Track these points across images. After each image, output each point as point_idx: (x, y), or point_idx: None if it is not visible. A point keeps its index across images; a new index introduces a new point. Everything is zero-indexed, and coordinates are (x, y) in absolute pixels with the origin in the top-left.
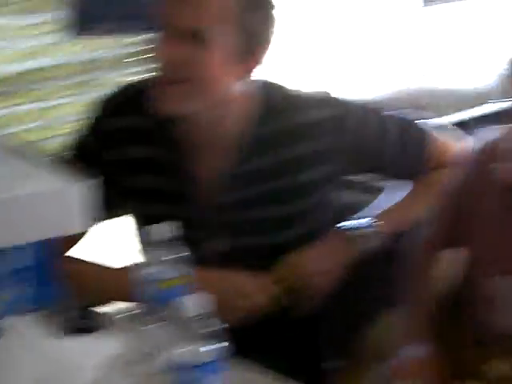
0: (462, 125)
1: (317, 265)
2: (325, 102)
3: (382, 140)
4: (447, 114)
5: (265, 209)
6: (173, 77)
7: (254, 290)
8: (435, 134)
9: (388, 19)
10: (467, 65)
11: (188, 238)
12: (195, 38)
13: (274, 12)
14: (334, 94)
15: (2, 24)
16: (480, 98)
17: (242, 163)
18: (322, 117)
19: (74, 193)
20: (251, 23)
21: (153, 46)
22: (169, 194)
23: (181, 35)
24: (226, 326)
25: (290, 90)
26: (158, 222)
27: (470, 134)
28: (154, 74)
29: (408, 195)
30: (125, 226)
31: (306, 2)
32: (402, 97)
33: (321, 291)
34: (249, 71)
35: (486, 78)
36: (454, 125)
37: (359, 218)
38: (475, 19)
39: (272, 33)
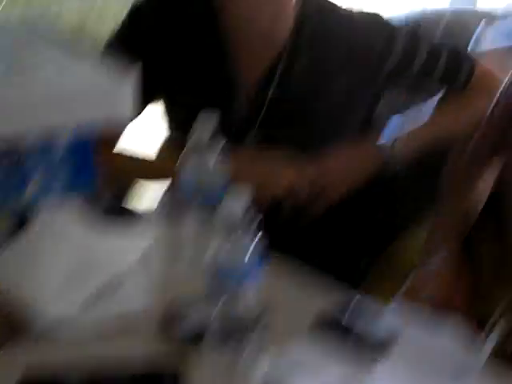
0: None
1: (340, 170)
2: (374, 25)
3: (424, 60)
4: None
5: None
6: None
7: (285, 168)
8: (480, 61)
9: None
10: None
11: (224, 132)
12: None
13: None
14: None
15: None
16: None
17: (282, 66)
18: (371, 42)
19: (119, 84)
20: None
21: None
22: (210, 84)
23: None
24: (262, 218)
25: (341, 9)
26: (194, 112)
27: None
28: None
29: (440, 113)
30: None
31: None
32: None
33: (336, 197)
34: None
35: None
36: None
37: (394, 127)
38: None
39: None
